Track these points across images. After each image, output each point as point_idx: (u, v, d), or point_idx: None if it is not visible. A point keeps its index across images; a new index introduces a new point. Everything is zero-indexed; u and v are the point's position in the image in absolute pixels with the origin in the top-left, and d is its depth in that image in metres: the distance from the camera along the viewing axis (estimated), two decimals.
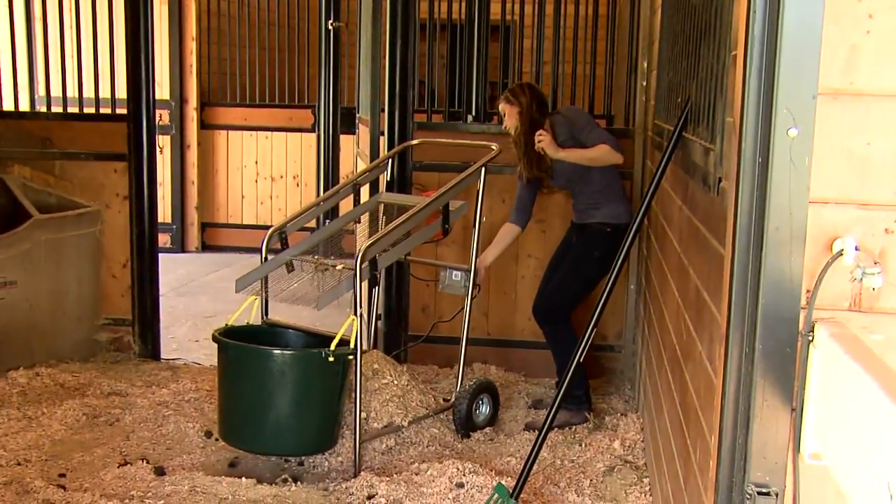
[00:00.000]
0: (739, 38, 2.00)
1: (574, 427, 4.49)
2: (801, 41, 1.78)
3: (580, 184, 4.67)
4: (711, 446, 2.11)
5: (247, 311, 4.12)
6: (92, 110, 5.73)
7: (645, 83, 5.11)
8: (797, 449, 1.86)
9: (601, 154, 4.49)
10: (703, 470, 2.29)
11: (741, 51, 1.96)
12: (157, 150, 5.90)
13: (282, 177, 9.10)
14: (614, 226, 4.58)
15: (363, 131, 6.10)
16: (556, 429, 4.39)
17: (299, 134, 9.00)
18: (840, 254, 1.80)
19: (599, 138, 4.52)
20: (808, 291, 1.84)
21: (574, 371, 3.55)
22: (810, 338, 1.83)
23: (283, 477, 3.86)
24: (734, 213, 1.94)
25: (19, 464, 3.95)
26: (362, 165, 5.86)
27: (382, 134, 5.35)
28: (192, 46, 8.79)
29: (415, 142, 5.14)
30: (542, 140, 4.51)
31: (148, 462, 3.95)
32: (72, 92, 5.75)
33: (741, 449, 1.92)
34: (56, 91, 5.80)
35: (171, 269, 7.75)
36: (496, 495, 3.43)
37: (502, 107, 4.76)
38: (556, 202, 5.13)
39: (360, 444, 3.90)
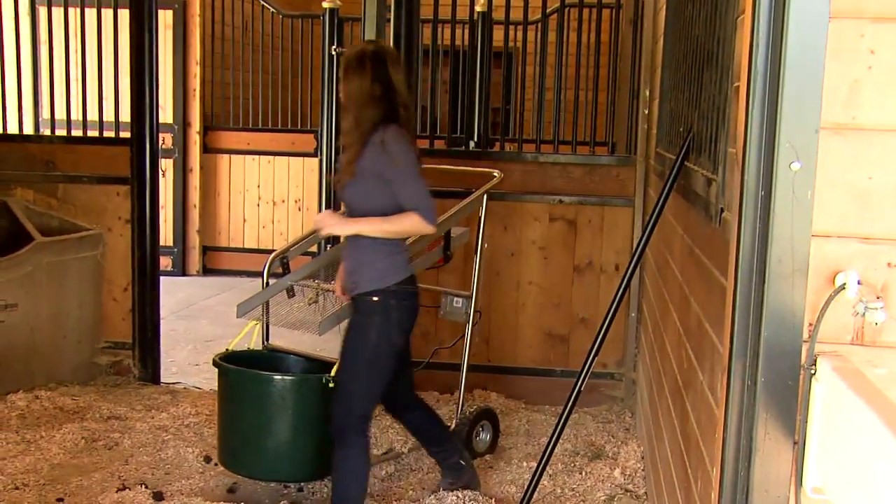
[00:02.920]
0: (742, 70, 2.02)
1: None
2: (804, 75, 1.79)
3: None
4: (713, 478, 2.11)
5: (248, 336, 4.12)
6: (95, 134, 5.76)
7: (647, 111, 5.13)
8: (799, 483, 1.86)
9: (407, 228, 3.37)
10: (703, 501, 2.28)
11: (744, 83, 1.97)
12: (160, 173, 5.91)
13: (283, 201, 9.12)
14: (381, 291, 3.37)
15: None
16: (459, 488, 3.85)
17: (301, 158, 9.01)
18: (842, 288, 1.81)
19: (413, 201, 3.34)
20: (810, 325, 1.84)
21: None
22: (813, 371, 1.83)
23: (282, 503, 3.85)
24: (736, 244, 1.94)
25: (17, 488, 3.93)
26: None
27: None
28: (195, 71, 8.83)
29: None
30: (321, 224, 3.49)
31: (147, 487, 3.93)
32: (75, 115, 5.77)
33: (743, 481, 1.92)
34: (60, 114, 5.82)
35: (172, 292, 7.74)
36: None
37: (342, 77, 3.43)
38: (558, 230, 5.13)
39: None
